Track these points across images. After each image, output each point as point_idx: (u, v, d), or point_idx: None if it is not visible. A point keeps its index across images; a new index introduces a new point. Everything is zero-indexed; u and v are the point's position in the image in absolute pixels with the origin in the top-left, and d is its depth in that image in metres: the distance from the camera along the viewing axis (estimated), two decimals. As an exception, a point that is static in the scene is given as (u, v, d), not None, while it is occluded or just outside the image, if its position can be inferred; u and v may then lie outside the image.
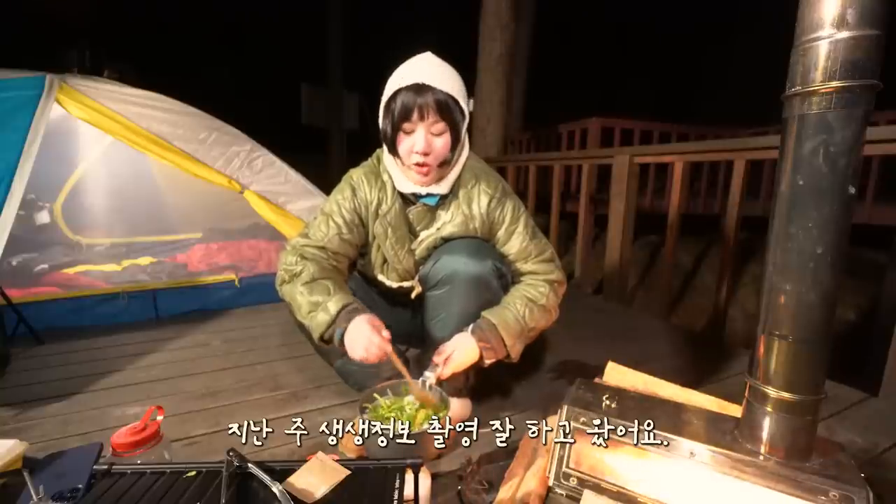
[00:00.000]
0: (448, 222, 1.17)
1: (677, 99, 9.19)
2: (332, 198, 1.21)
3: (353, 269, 1.31)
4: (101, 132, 1.91)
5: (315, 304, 1.06)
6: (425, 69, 1.04)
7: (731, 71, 8.30)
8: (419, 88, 1.01)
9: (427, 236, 1.19)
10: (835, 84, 0.61)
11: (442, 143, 1.06)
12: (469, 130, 1.17)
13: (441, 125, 1.04)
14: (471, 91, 4.53)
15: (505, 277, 1.17)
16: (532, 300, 1.12)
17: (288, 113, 8.49)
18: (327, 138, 8.44)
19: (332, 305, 1.04)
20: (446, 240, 1.18)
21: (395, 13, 10.74)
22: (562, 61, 9.18)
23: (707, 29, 8.77)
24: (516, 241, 1.18)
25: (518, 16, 4.56)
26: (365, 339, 0.99)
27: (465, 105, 1.07)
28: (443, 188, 1.14)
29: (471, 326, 1.09)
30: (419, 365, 1.24)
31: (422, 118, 1.02)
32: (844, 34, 0.59)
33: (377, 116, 1.11)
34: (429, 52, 1.09)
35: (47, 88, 1.68)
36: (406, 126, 1.04)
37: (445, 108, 1.03)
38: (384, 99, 1.07)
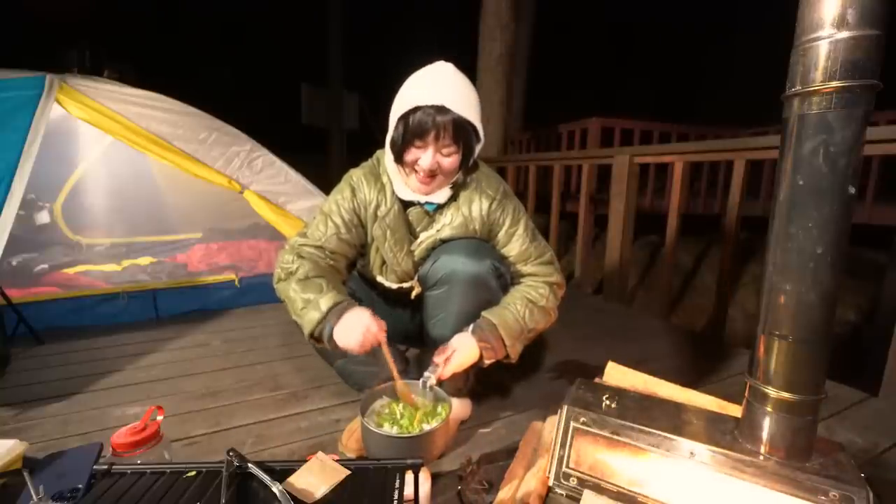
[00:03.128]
0: (447, 224, 1.17)
1: (677, 99, 9.18)
2: (331, 198, 1.21)
3: (353, 270, 1.31)
4: (101, 132, 1.91)
5: (307, 302, 1.05)
6: (448, 90, 1.02)
7: (731, 71, 8.30)
8: (440, 110, 1.00)
9: (426, 238, 1.19)
10: (835, 84, 0.61)
11: (449, 161, 1.06)
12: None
13: (453, 147, 1.04)
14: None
15: (503, 277, 1.17)
16: (532, 301, 1.12)
17: (288, 113, 8.48)
18: (327, 138, 8.43)
19: (324, 303, 1.03)
20: (445, 241, 1.18)
21: (395, 13, 10.74)
22: (562, 61, 9.17)
23: (707, 29, 8.77)
24: (516, 243, 1.18)
25: (518, 16, 4.56)
26: (362, 326, 0.99)
27: (482, 129, 1.07)
28: (441, 198, 1.14)
29: (471, 326, 1.09)
30: (419, 365, 1.24)
31: (437, 139, 1.02)
32: (844, 34, 0.59)
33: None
34: (450, 64, 1.07)
35: (47, 88, 1.69)
36: (418, 143, 1.04)
37: (463, 134, 1.03)
38: (400, 109, 1.04)
